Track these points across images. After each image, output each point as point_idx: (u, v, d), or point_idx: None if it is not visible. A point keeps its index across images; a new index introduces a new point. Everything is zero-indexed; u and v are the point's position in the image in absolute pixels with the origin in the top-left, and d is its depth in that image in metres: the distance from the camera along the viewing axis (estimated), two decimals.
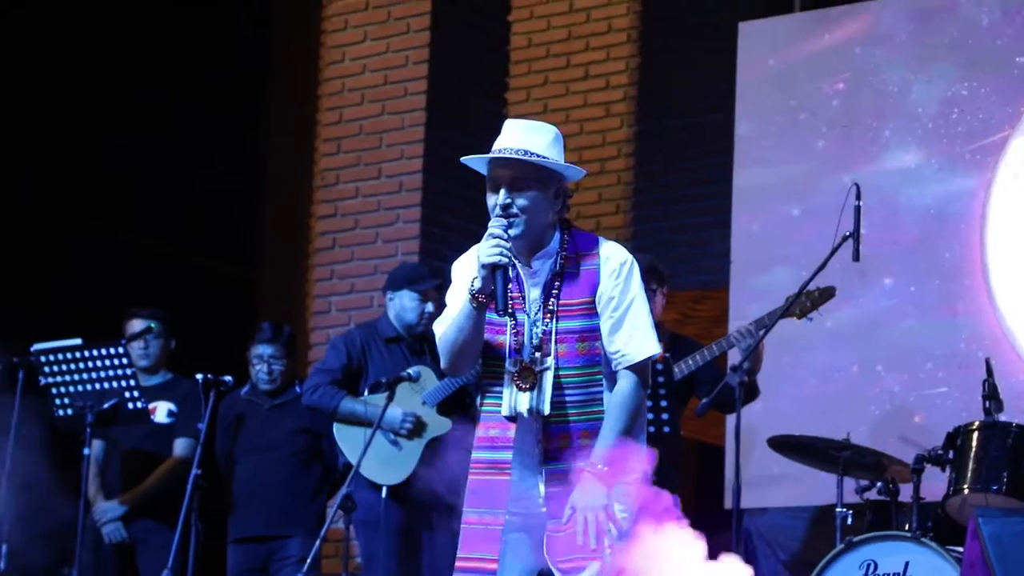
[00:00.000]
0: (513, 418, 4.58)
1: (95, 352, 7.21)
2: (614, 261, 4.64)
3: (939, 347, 7.87)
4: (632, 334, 4.59)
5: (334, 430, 6.99)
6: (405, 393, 6.91)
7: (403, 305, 7.14)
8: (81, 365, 7.21)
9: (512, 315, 4.58)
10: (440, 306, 7.01)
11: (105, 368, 7.19)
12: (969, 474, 6.37)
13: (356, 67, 9.53)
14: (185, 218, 9.71)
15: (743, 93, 8.65)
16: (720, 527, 6.91)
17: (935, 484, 6.50)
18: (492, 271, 4.48)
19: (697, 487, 10.90)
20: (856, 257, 6.45)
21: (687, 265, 9.52)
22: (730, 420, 7.10)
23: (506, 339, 4.61)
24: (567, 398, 4.57)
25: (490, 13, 9.56)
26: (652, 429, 6.38)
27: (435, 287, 7.08)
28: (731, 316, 8.46)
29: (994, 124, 7.95)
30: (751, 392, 6.72)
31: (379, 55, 9.46)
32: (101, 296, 8.55)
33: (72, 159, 9.35)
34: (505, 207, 4.54)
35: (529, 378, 4.56)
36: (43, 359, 7.20)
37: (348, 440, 6.94)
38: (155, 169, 9.52)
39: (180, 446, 7.55)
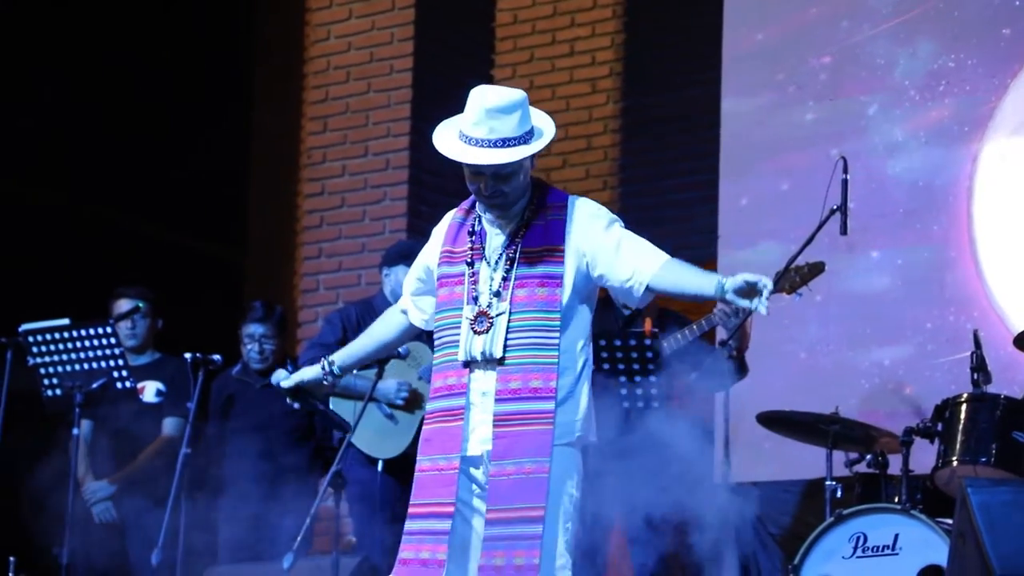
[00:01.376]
0: (468, 364, 4.63)
1: (83, 332, 7.20)
2: (588, 208, 4.73)
3: (927, 320, 7.87)
4: (638, 254, 4.68)
5: (330, 404, 7.00)
6: (400, 368, 6.91)
7: (398, 280, 7.14)
8: (69, 345, 7.19)
9: (470, 264, 4.68)
10: None
11: (93, 348, 7.18)
12: (958, 446, 6.39)
13: (341, 45, 9.51)
14: (171, 198, 9.69)
15: (729, 67, 8.63)
16: None
17: (924, 456, 6.51)
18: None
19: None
20: (844, 231, 6.46)
21: (675, 241, 9.43)
22: (719, 395, 7.11)
23: (464, 288, 4.68)
24: (522, 340, 4.61)
25: None
26: (641, 404, 6.40)
27: None
28: None
29: (981, 95, 7.94)
30: (741, 368, 6.73)
31: (364, 32, 9.45)
32: (88, 276, 8.53)
33: (56, 140, 9.32)
34: (491, 195, 4.65)
35: (485, 322, 4.62)
36: (31, 339, 7.19)
37: (343, 414, 6.94)
38: (141, 149, 9.49)
39: (169, 425, 7.55)
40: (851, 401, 7.52)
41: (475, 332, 4.62)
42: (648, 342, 6.40)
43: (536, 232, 4.68)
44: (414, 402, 6.97)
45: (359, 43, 9.42)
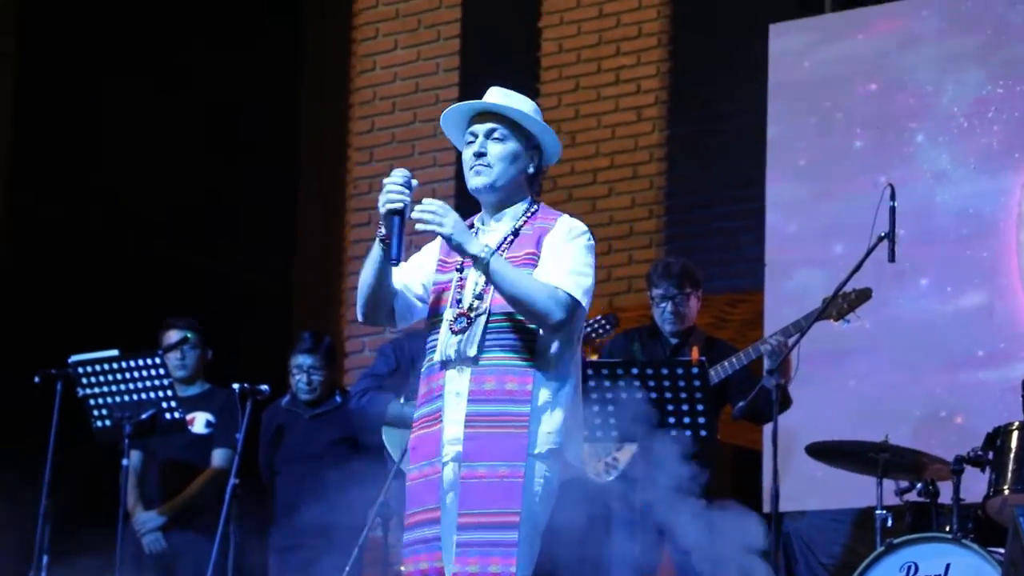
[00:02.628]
0: (444, 365, 4.55)
1: (132, 363, 7.22)
2: (568, 223, 4.68)
3: (977, 347, 7.83)
4: (556, 267, 4.57)
5: (383, 433, 7.00)
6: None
7: None
8: (118, 376, 7.22)
9: (460, 270, 4.62)
10: None
11: (142, 379, 7.21)
12: (1009, 475, 6.33)
13: (387, 75, 9.56)
14: (219, 229, 9.74)
15: (775, 95, 8.63)
16: None
17: (975, 485, 6.46)
18: (389, 217, 4.52)
19: (734, 491, 10.86)
20: (892, 258, 6.42)
21: (721, 269, 9.49)
22: (767, 423, 7.08)
23: (450, 294, 4.62)
24: (498, 342, 4.54)
25: (520, 19, 9.57)
26: (688, 433, 6.38)
27: None
28: (766, 319, 8.43)
29: None
30: (784, 401, 6.69)
31: (410, 63, 9.49)
32: (137, 307, 8.57)
33: (106, 172, 9.38)
34: (479, 155, 4.63)
35: (463, 322, 4.55)
36: (81, 370, 7.23)
37: (397, 444, 6.96)
38: (189, 181, 9.55)
39: (218, 456, 7.57)
40: (901, 429, 7.46)
41: (452, 332, 4.55)
42: (695, 370, 6.38)
43: (523, 240, 4.63)
44: None
45: (405, 74, 9.46)
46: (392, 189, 4.54)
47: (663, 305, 6.91)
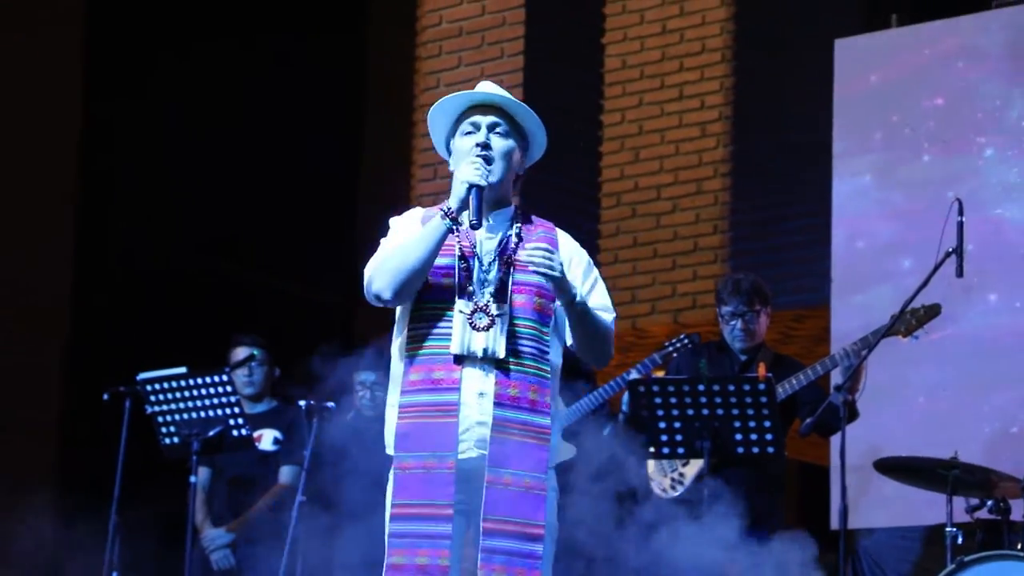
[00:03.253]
0: (460, 361, 4.44)
1: (200, 380, 7.26)
2: (572, 241, 4.65)
3: None
4: (603, 301, 4.58)
5: None
6: None
7: None
8: (186, 393, 7.26)
9: (463, 258, 4.49)
10: None
11: (210, 396, 7.24)
12: None
13: (450, 93, 9.57)
14: (286, 248, 9.79)
15: (841, 110, 8.60)
16: (827, 548, 6.87)
17: None
18: (470, 188, 4.43)
19: (799, 508, 10.81)
20: (960, 273, 6.38)
21: (786, 284, 9.46)
22: (835, 440, 7.05)
23: (453, 281, 4.48)
24: (521, 347, 4.45)
25: (583, 36, 9.58)
26: (756, 450, 6.36)
27: None
28: (832, 334, 8.40)
29: None
30: (851, 414, 6.66)
31: (473, 80, 9.47)
32: (206, 326, 8.63)
33: (174, 194, 9.45)
34: (484, 146, 4.51)
35: (484, 318, 4.45)
36: (149, 388, 7.27)
37: None
38: (254, 202, 9.61)
39: (285, 473, 7.60)
40: (971, 446, 7.40)
41: (473, 327, 4.43)
42: (762, 386, 6.35)
43: (530, 242, 4.54)
44: None
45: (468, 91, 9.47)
46: (477, 163, 4.47)
47: (733, 322, 6.89)
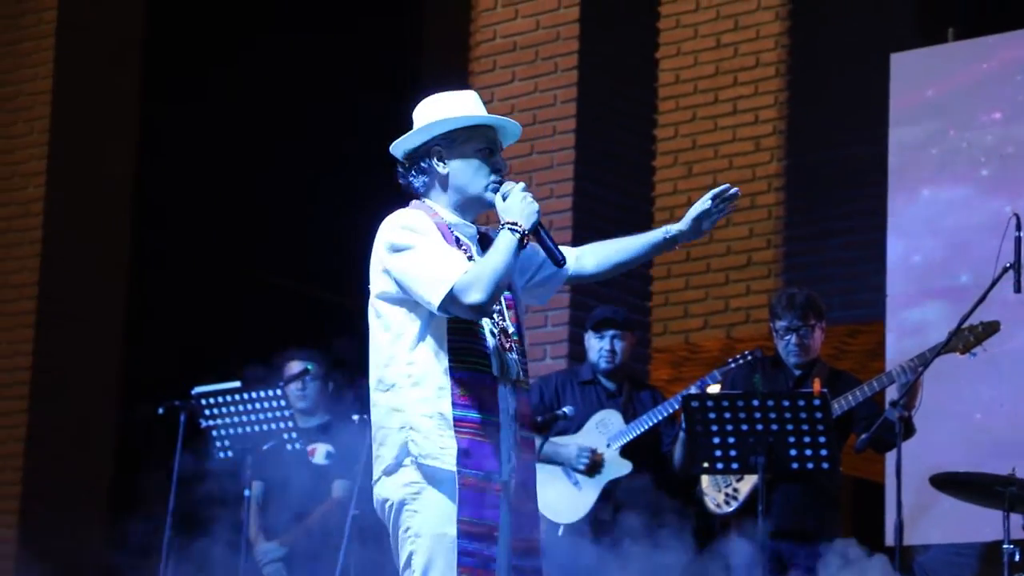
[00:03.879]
0: (495, 380, 4.45)
1: (254, 395, 7.29)
2: None
3: None
4: None
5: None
6: (591, 435, 6.95)
7: (588, 346, 7.19)
8: (240, 408, 7.29)
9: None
10: (624, 348, 7.05)
11: (264, 410, 7.27)
12: None
13: (505, 107, 9.57)
14: (342, 265, 9.83)
15: (896, 124, 8.55)
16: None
17: None
18: (537, 226, 4.50)
19: (854, 524, 10.76)
20: (1017, 289, 6.33)
21: (840, 299, 9.42)
22: (890, 455, 7.00)
23: None
24: (523, 365, 4.54)
25: (637, 50, 9.56)
26: (811, 466, 6.33)
27: (615, 327, 7.11)
28: (887, 350, 8.35)
29: None
30: (907, 430, 6.62)
31: (527, 95, 9.49)
32: (261, 340, 8.66)
33: (232, 208, 9.51)
34: (502, 172, 4.62)
35: (508, 339, 4.49)
36: (203, 402, 7.31)
37: None
38: (310, 219, 9.66)
39: (338, 487, 7.61)
40: None
41: (504, 348, 4.48)
42: (816, 402, 6.32)
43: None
44: (595, 468, 6.96)
45: (522, 105, 9.47)
46: (534, 203, 4.53)
47: (787, 337, 6.86)
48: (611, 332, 7.12)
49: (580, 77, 9.25)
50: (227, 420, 7.31)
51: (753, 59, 10.26)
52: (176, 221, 9.44)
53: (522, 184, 4.59)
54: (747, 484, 6.77)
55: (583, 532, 6.86)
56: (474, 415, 4.42)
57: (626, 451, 7.01)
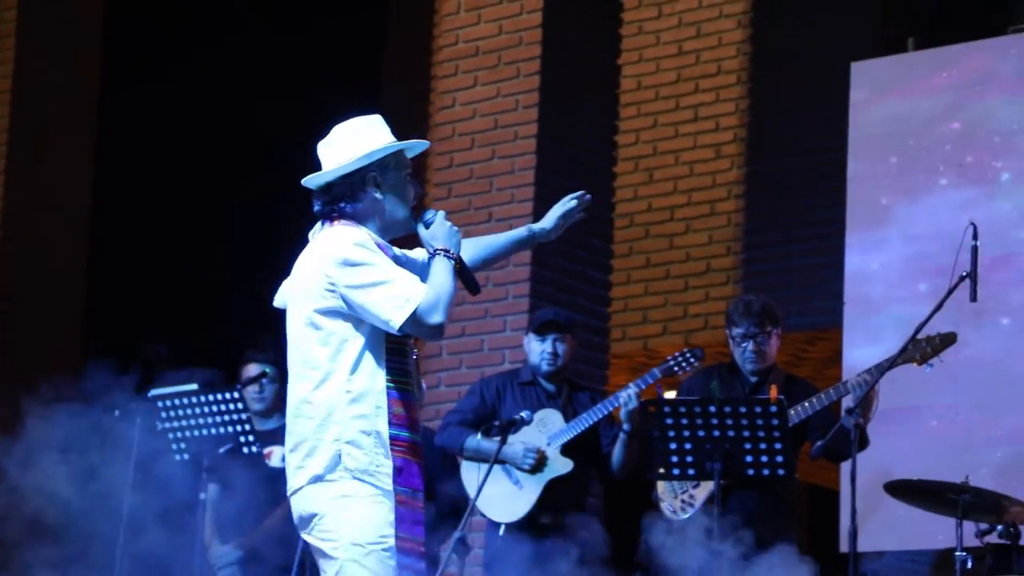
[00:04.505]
0: (416, 399, 4.60)
1: (211, 397, 7.26)
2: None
3: None
4: None
5: (462, 468, 7.04)
6: (532, 434, 6.95)
7: (529, 348, 7.19)
8: (197, 410, 7.26)
9: None
10: (565, 350, 7.07)
11: (220, 413, 7.24)
12: None
13: (466, 112, 9.57)
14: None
15: (856, 132, 8.59)
16: (836, 571, 6.84)
17: None
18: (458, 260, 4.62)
19: (810, 530, 10.78)
20: (973, 298, 6.37)
21: (799, 306, 9.45)
22: (845, 463, 7.03)
23: None
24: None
25: (599, 56, 9.57)
26: (767, 472, 6.35)
27: (557, 330, 7.11)
28: (844, 357, 8.38)
29: None
30: (861, 441, 6.63)
31: (489, 99, 9.49)
32: (219, 341, 8.64)
33: (190, 207, 9.49)
34: (418, 194, 4.79)
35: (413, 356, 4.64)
36: (160, 404, 7.28)
37: (470, 479, 6.99)
38: (270, 219, 9.63)
39: None
40: (983, 470, 7.40)
41: (417, 369, 4.65)
42: (773, 409, 6.34)
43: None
44: (539, 466, 6.98)
45: (484, 110, 9.47)
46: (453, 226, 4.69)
47: (744, 344, 6.87)
48: (553, 335, 7.12)
49: (542, 82, 9.25)
50: (183, 423, 7.27)
51: (715, 66, 10.28)
52: (134, 220, 9.40)
53: (443, 212, 4.74)
54: (703, 491, 6.78)
55: (523, 531, 6.87)
56: (405, 434, 4.52)
57: (567, 450, 7.03)
